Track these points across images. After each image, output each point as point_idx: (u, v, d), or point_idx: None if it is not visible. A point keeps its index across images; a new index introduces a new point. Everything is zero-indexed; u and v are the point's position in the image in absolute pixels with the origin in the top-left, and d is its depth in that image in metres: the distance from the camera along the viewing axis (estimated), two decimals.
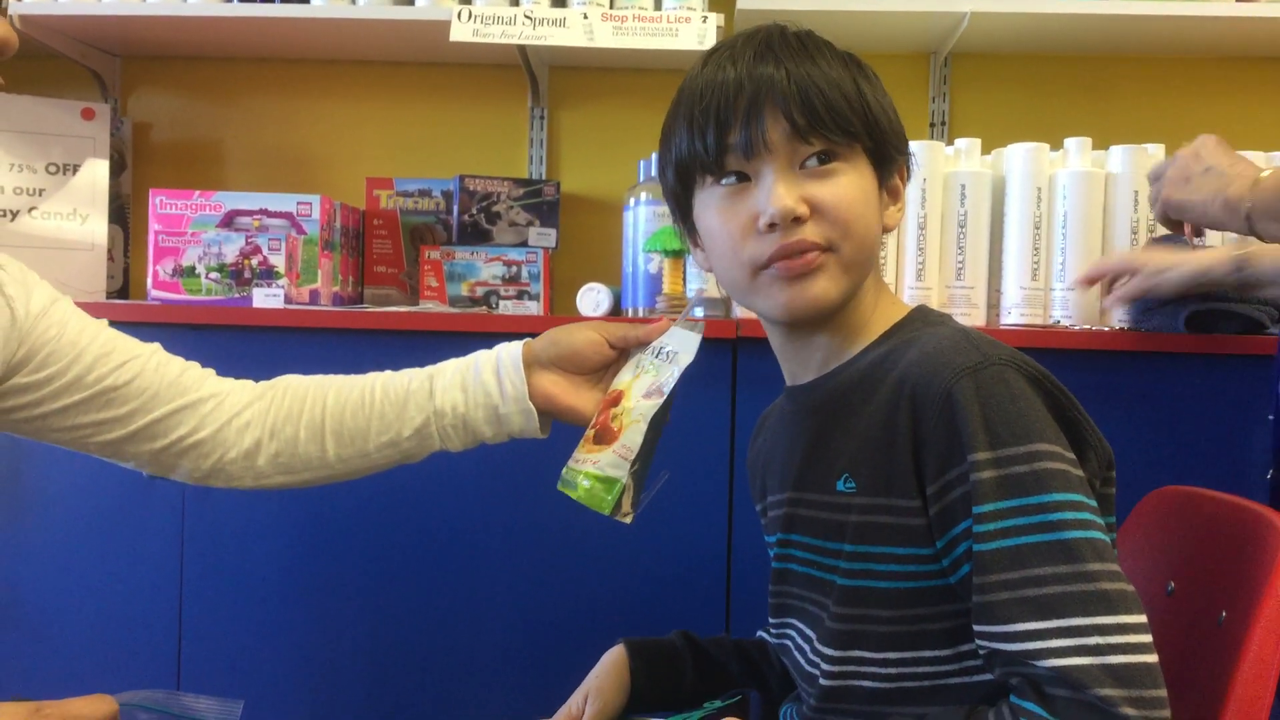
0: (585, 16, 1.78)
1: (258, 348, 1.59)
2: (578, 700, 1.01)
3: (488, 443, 1.03)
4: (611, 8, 1.82)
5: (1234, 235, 1.33)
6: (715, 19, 1.78)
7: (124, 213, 2.09)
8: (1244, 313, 1.45)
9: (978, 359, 0.76)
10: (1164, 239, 1.43)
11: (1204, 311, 1.45)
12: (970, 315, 1.63)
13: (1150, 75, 2.04)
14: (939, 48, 2.02)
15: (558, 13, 1.79)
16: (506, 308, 1.83)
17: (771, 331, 0.93)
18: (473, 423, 1.01)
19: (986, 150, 1.69)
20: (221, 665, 1.61)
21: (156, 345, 1.05)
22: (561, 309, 1.92)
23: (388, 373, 1.05)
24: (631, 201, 1.79)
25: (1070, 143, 1.64)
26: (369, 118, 2.14)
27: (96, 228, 1.92)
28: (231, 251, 1.70)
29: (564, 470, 0.95)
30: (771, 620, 0.96)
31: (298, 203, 1.74)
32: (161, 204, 1.72)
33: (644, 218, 1.76)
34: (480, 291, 1.84)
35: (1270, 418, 1.20)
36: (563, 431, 1.02)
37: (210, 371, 1.07)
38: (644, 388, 0.94)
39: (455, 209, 1.92)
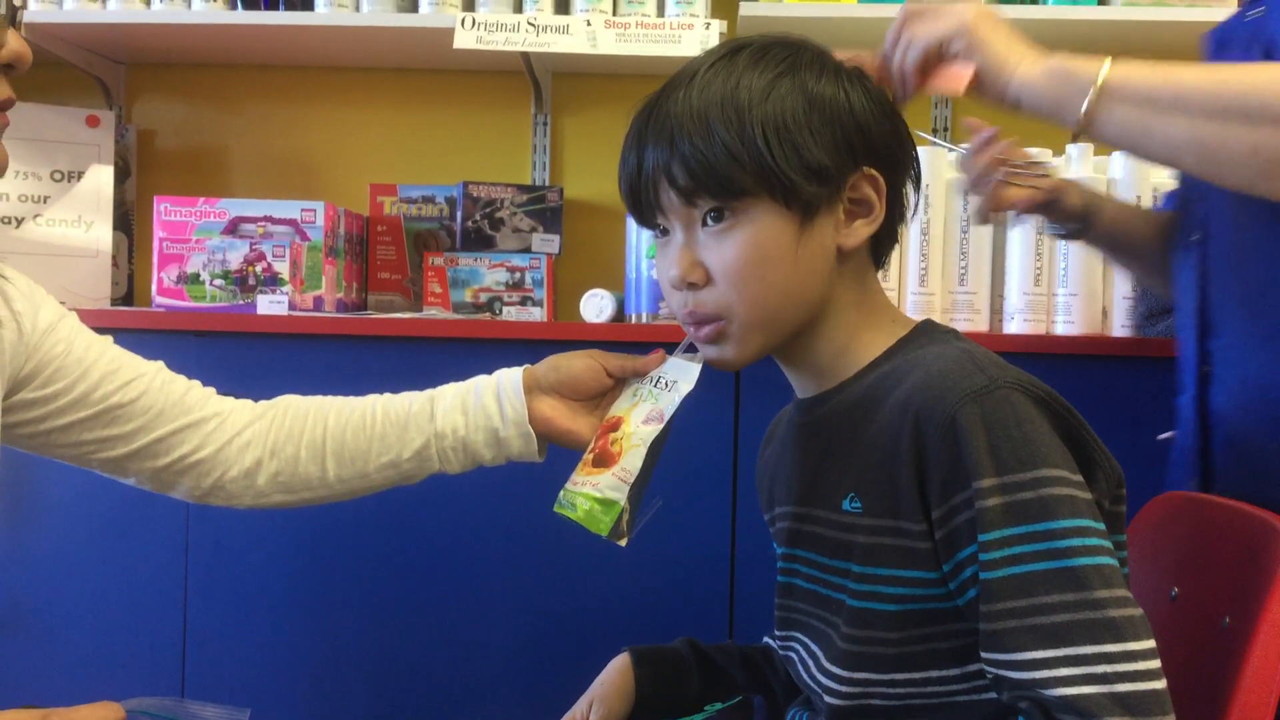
0: (588, 23, 1.79)
1: (262, 354, 1.59)
2: (582, 708, 1.01)
3: (485, 465, 1.05)
4: (614, 15, 1.83)
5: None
6: (718, 25, 1.78)
7: (128, 220, 2.09)
8: None
9: (983, 382, 0.75)
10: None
11: None
12: (973, 321, 1.63)
13: None
14: None
15: (561, 20, 1.80)
16: (510, 314, 1.83)
17: None
18: (472, 445, 1.02)
19: None
20: (226, 673, 1.62)
21: (160, 363, 1.06)
22: (565, 315, 1.92)
23: (388, 395, 1.07)
24: None
25: (1073, 149, 1.64)
26: (373, 124, 2.14)
27: (101, 235, 1.92)
28: (236, 258, 1.70)
29: (561, 493, 0.97)
30: (777, 632, 0.96)
31: (302, 209, 1.74)
32: (166, 211, 1.72)
33: None
34: (484, 298, 1.85)
35: (1171, 434, 1.14)
36: (560, 450, 1.04)
37: (211, 391, 1.08)
38: (643, 414, 0.96)
39: (459, 215, 1.92)
